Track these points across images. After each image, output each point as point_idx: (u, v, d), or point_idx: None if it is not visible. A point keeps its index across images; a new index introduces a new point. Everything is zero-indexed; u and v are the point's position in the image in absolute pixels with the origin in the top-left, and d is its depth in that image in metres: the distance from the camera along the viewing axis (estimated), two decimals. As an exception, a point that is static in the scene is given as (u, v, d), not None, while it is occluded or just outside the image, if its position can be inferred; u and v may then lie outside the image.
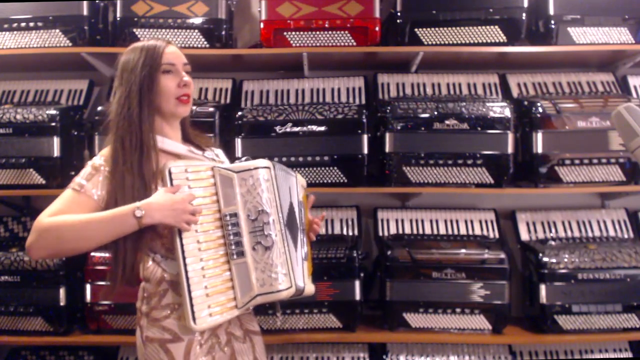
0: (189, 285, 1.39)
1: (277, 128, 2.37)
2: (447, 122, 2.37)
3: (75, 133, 2.50)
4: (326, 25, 2.46)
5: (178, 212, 1.39)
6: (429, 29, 2.49)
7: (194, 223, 1.43)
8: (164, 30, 2.50)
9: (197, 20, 2.51)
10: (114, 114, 1.52)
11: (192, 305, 1.39)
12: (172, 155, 1.56)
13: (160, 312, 1.49)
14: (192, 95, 1.61)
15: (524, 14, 2.48)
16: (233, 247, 1.46)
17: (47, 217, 1.39)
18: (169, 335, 1.47)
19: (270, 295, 1.45)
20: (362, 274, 2.38)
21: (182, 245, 1.41)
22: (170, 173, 1.43)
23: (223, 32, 2.52)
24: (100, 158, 1.51)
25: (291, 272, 1.49)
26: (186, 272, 1.40)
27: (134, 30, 2.50)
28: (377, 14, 2.48)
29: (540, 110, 2.40)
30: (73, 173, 2.43)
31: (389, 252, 2.39)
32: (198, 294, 1.40)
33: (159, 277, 1.50)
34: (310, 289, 1.64)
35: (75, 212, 1.41)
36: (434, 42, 2.49)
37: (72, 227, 1.37)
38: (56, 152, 2.41)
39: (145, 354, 1.49)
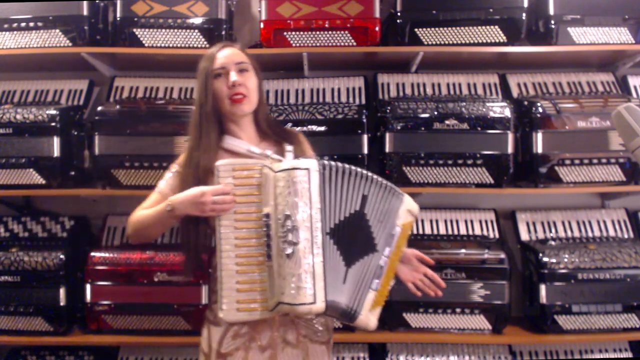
0: (221, 277, 1.46)
1: (277, 128, 2.37)
2: (447, 122, 2.37)
3: (75, 133, 2.50)
4: (326, 25, 2.46)
5: (198, 204, 1.47)
6: (429, 29, 2.49)
7: (223, 210, 1.46)
8: (164, 30, 2.50)
9: (197, 20, 2.51)
10: (190, 122, 1.68)
11: (221, 297, 1.45)
12: (234, 154, 1.62)
13: (214, 297, 1.59)
14: (251, 92, 1.63)
15: (524, 14, 2.48)
16: (265, 248, 1.45)
17: (134, 212, 1.65)
18: (213, 317, 1.59)
19: (290, 307, 1.40)
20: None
21: (220, 240, 1.47)
22: (217, 170, 1.49)
23: (223, 32, 2.52)
24: (175, 162, 1.69)
25: (320, 287, 1.40)
26: (221, 264, 1.46)
27: (134, 30, 2.50)
28: (377, 14, 2.48)
29: (540, 110, 2.40)
30: (73, 173, 2.48)
31: (389, 252, 2.38)
32: (228, 287, 1.45)
33: (214, 266, 1.56)
34: (369, 321, 1.53)
35: (151, 207, 1.62)
36: (434, 42, 2.49)
37: (139, 221, 1.62)
38: (56, 152, 2.41)
39: (202, 328, 1.65)
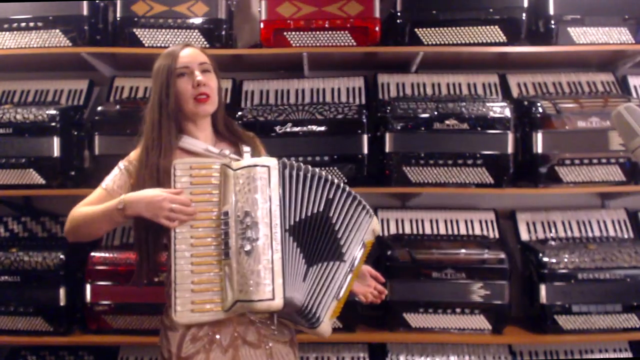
0: (175, 278, 1.42)
1: (277, 128, 2.37)
2: (447, 122, 2.37)
3: (75, 133, 2.50)
4: (326, 25, 2.46)
5: (155, 208, 1.43)
6: (429, 29, 2.49)
7: (178, 220, 1.43)
8: (164, 30, 2.50)
9: (197, 20, 2.51)
10: (145, 120, 1.64)
11: (175, 298, 1.42)
12: (191, 154, 1.61)
13: (168, 301, 1.55)
14: (214, 93, 1.63)
15: (524, 14, 2.48)
16: (222, 247, 1.44)
17: (74, 209, 1.59)
18: (169, 322, 1.55)
19: (249, 304, 1.39)
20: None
21: (174, 240, 1.44)
22: (175, 169, 1.47)
23: (223, 32, 2.52)
24: (124, 160, 1.65)
25: (279, 284, 1.40)
26: (174, 265, 1.43)
27: (134, 30, 2.50)
28: (377, 14, 2.48)
29: (540, 110, 2.40)
30: (73, 173, 2.48)
31: (389, 252, 2.38)
32: (183, 288, 1.42)
33: (169, 268, 1.54)
34: (328, 328, 1.55)
35: (94, 204, 1.57)
36: (434, 42, 2.49)
37: (81, 217, 1.56)
38: (56, 152, 2.40)
39: (160, 335, 1.62)
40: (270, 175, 1.45)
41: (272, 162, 1.47)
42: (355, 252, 1.59)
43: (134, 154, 1.64)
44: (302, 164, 1.53)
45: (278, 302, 1.40)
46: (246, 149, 1.68)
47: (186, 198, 1.45)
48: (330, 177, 1.57)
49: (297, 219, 1.49)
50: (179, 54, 1.62)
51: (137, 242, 1.59)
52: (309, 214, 1.51)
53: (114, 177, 1.63)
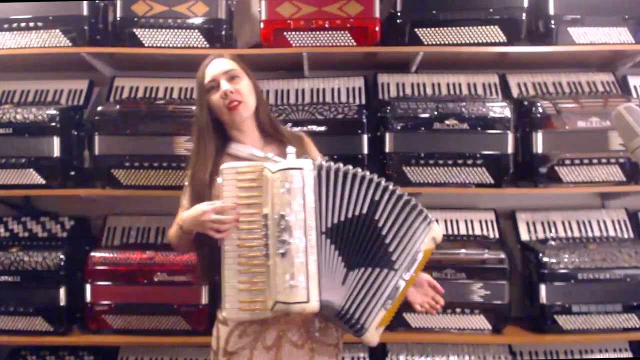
0: (224, 277, 1.49)
1: (277, 128, 2.37)
2: (447, 122, 2.37)
3: (75, 133, 2.50)
4: (326, 25, 2.46)
5: (199, 222, 1.52)
6: (429, 29, 2.49)
7: (221, 229, 1.49)
8: (164, 30, 2.50)
9: (197, 20, 2.51)
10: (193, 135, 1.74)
11: (224, 296, 1.48)
12: (239, 159, 1.65)
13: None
14: (245, 97, 1.66)
15: (524, 14, 2.48)
16: (264, 249, 1.47)
17: (171, 227, 1.72)
18: (222, 317, 1.62)
19: (285, 306, 1.41)
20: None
21: (222, 241, 1.51)
22: (221, 173, 1.52)
23: (223, 32, 2.52)
24: (187, 175, 1.74)
25: (314, 286, 1.41)
26: (224, 264, 1.49)
27: (134, 30, 2.50)
28: (377, 14, 2.48)
29: (540, 110, 2.40)
30: (73, 173, 2.48)
31: (389, 252, 2.38)
32: (231, 286, 1.47)
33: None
34: (373, 338, 1.53)
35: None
36: (434, 42, 2.49)
37: (172, 238, 1.70)
38: (56, 152, 2.40)
39: (214, 327, 1.70)
40: (304, 177, 1.45)
41: (307, 163, 1.47)
42: (409, 260, 1.54)
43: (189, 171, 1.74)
44: (340, 165, 1.51)
45: (313, 305, 1.41)
46: (291, 149, 1.59)
47: (231, 204, 1.50)
48: (377, 177, 1.53)
49: (336, 221, 1.48)
50: (206, 69, 1.69)
51: (196, 247, 1.68)
52: (349, 215, 1.50)
53: (184, 194, 1.72)
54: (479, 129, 2.37)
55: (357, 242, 1.50)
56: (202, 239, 1.60)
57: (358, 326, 1.50)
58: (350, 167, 1.52)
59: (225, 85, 1.64)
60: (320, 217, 1.46)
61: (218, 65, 1.68)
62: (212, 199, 1.57)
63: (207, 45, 2.50)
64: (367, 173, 1.53)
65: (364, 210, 1.51)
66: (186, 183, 1.72)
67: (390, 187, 1.54)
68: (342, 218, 1.49)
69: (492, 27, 2.47)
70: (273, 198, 1.45)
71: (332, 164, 1.50)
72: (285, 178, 1.44)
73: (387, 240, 1.52)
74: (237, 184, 1.50)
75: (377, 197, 1.52)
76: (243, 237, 1.49)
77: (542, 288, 2.35)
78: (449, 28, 2.48)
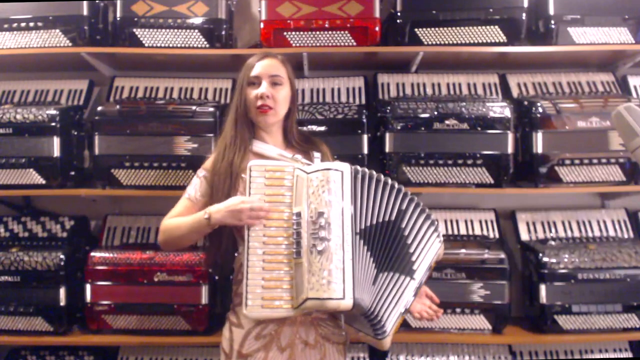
0: (247, 274, 1.49)
1: (277, 128, 2.37)
2: (447, 122, 2.37)
3: (75, 133, 2.50)
4: (326, 25, 2.46)
5: (234, 213, 1.52)
6: (429, 29, 2.49)
7: (257, 220, 1.50)
8: (164, 30, 2.50)
9: (197, 20, 2.51)
10: (226, 118, 1.77)
11: (247, 292, 1.48)
12: (264, 157, 1.68)
13: (237, 299, 1.67)
14: (278, 105, 1.70)
15: (524, 14, 2.48)
16: (294, 246, 1.49)
17: (164, 220, 1.69)
18: (236, 319, 1.65)
19: (319, 302, 1.43)
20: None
21: (248, 237, 1.52)
22: (250, 169, 1.54)
23: (223, 32, 2.52)
24: (201, 169, 1.75)
25: (349, 284, 1.43)
26: (247, 261, 1.50)
27: (134, 30, 2.50)
28: (377, 14, 2.48)
29: (540, 110, 2.40)
30: (73, 173, 2.48)
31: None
32: (254, 283, 1.48)
33: (238, 266, 1.67)
34: (388, 341, 1.56)
35: (183, 214, 1.68)
36: (434, 42, 2.49)
37: (174, 229, 1.66)
38: (56, 152, 2.40)
39: (224, 328, 1.71)
40: (343, 179, 1.51)
41: (346, 167, 1.53)
42: (424, 271, 1.60)
43: (209, 162, 1.74)
44: (373, 171, 1.57)
45: (348, 302, 1.43)
46: (316, 154, 1.72)
47: (260, 199, 1.52)
48: (402, 188, 1.60)
49: (368, 224, 1.54)
50: (255, 63, 1.73)
51: (212, 245, 1.71)
52: (380, 220, 1.56)
53: (195, 186, 1.72)
54: (479, 129, 2.37)
55: (386, 247, 1.56)
56: (220, 235, 1.64)
57: (382, 328, 1.53)
58: (381, 174, 1.58)
59: (264, 87, 1.68)
60: (355, 218, 1.51)
61: (268, 65, 1.72)
62: (232, 189, 1.60)
63: (207, 45, 2.51)
64: (395, 182, 1.60)
65: (392, 217, 1.57)
66: (200, 174, 1.73)
67: (415, 198, 1.62)
68: (374, 222, 1.54)
69: (492, 27, 2.47)
70: (309, 197, 1.49)
71: (366, 169, 1.57)
72: (325, 177, 1.49)
73: (411, 250, 1.58)
74: (265, 182, 1.53)
75: (403, 207, 1.60)
76: (270, 234, 1.51)
77: (542, 288, 2.35)
78: (449, 28, 2.48)
